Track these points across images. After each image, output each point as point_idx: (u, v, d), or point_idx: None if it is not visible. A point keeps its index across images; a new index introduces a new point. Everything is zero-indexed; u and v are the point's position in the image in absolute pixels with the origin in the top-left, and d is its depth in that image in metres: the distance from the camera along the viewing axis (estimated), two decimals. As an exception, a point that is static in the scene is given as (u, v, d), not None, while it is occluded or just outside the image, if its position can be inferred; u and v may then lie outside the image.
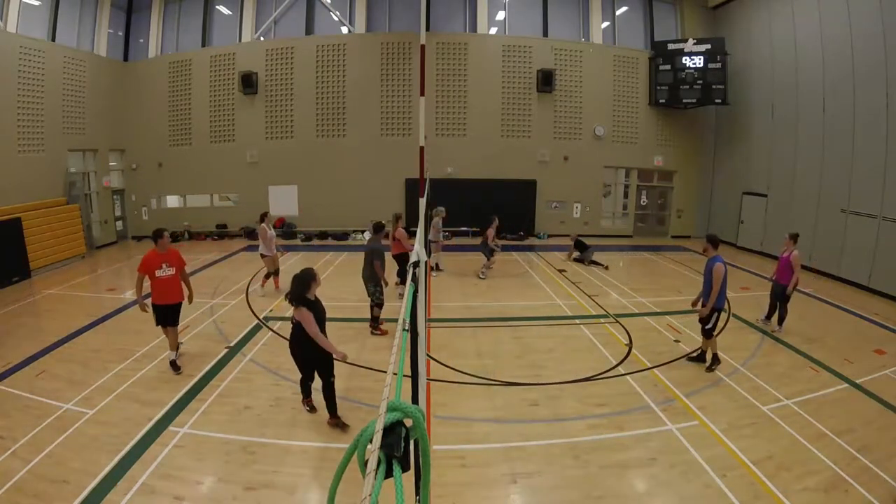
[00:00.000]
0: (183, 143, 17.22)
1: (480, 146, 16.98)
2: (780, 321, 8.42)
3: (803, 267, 13.06)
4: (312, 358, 5.21)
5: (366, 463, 1.18)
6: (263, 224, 9.57)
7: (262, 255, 9.78)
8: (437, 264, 12.32)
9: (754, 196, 15.51)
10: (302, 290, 5.00)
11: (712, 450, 5.01)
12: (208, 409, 5.77)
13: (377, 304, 7.99)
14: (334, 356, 5.13)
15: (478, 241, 12.03)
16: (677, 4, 17.55)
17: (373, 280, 7.83)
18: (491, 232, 11.61)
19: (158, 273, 6.45)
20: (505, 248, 14.60)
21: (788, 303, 8.31)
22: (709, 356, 6.99)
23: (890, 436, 5.29)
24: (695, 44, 16.21)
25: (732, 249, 16.13)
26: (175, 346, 6.85)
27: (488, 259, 11.73)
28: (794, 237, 8.31)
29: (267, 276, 10.15)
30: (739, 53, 16.03)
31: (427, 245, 12.02)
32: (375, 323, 8.11)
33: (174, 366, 6.68)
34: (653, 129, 17.57)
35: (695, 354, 7.21)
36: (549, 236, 17.40)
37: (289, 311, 9.41)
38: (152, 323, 8.59)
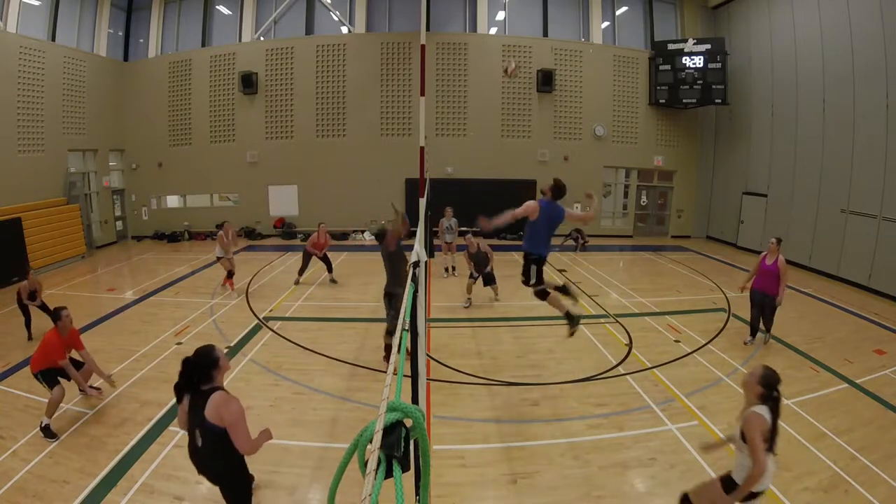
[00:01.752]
0: (183, 143, 17.22)
1: (480, 146, 16.98)
2: (768, 329, 7.73)
3: (803, 267, 13.17)
4: (237, 476, 3.45)
5: (366, 463, 1.18)
6: (221, 232, 10.24)
7: (218, 258, 10.43)
8: (453, 266, 12.17)
9: (754, 196, 15.51)
10: (202, 378, 3.24)
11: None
12: (208, 409, 5.76)
13: (388, 331, 6.80)
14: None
15: (492, 240, 10.84)
16: (677, 4, 17.54)
17: (392, 305, 6.59)
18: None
19: (61, 363, 5.35)
20: (506, 248, 14.60)
21: (775, 312, 7.58)
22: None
23: (890, 436, 5.29)
24: (695, 44, 16.21)
25: (732, 249, 16.14)
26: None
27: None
28: (780, 241, 7.49)
29: (229, 277, 10.58)
30: (739, 53, 16.03)
31: (430, 244, 12.00)
32: (388, 353, 6.86)
33: (48, 431, 5.20)
34: (653, 129, 17.57)
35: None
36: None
37: (290, 309, 9.55)
38: (152, 324, 8.71)
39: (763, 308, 7.58)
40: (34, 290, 8.05)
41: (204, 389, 3.19)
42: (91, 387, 5.97)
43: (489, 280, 9.87)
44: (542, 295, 5.64)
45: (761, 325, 7.77)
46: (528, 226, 5.36)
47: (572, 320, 5.71)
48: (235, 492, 3.45)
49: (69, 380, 5.51)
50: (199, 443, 3.21)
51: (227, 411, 3.09)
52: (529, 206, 5.25)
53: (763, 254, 7.62)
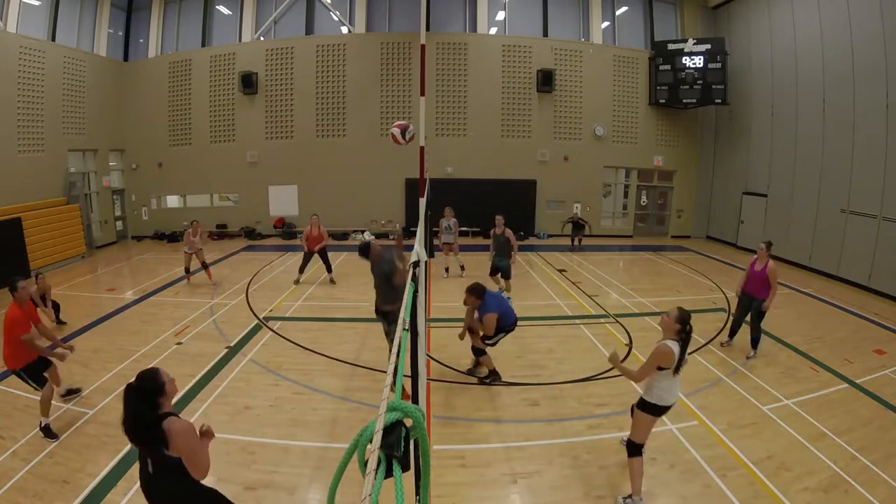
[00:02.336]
0: (183, 143, 17.23)
1: (480, 146, 16.99)
2: (755, 344, 7.36)
3: (803, 267, 13.17)
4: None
5: (366, 463, 1.18)
6: (189, 230, 11.14)
7: (185, 252, 11.22)
8: (461, 266, 11.87)
9: (754, 196, 15.51)
10: (149, 408, 2.74)
11: (712, 450, 5.01)
12: (208, 409, 5.77)
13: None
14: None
15: (481, 241, 11.01)
16: (677, 4, 17.55)
17: (386, 315, 6.15)
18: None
19: (24, 337, 5.10)
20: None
21: (762, 321, 7.34)
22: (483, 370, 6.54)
23: (890, 436, 5.29)
24: (695, 44, 16.21)
25: (732, 249, 16.14)
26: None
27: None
28: (770, 245, 7.26)
29: (187, 271, 11.39)
30: (739, 53, 16.03)
31: (430, 244, 11.95)
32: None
33: (49, 431, 5.17)
34: (653, 129, 17.57)
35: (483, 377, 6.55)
36: (549, 236, 17.41)
37: (290, 309, 9.55)
38: (152, 324, 8.72)
39: (750, 311, 7.32)
40: (44, 294, 8.11)
41: (155, 425, 2.76)
42: (70, 390, 5.89)
43: (507, 272, 9.82)
44: (481, 353, 6.40)
45: (749, 339, 7.46)
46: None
47: (496, 376, 6.49)
48: None
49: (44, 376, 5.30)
50: (152, 471, 2.79)
51: (183, 441, 2.70)
52: (493, 320, 6.08)
53: (753, 258, 7.40)
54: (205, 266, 11.36)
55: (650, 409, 4.19)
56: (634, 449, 4.29)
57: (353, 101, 16.78)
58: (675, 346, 4.04)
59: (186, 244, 11.17)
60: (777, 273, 7.11)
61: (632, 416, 4.45)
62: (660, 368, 4.05)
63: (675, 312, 4.13)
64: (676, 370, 4.05)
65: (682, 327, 4.09)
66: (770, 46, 14.63)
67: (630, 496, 4.28)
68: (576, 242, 15.66)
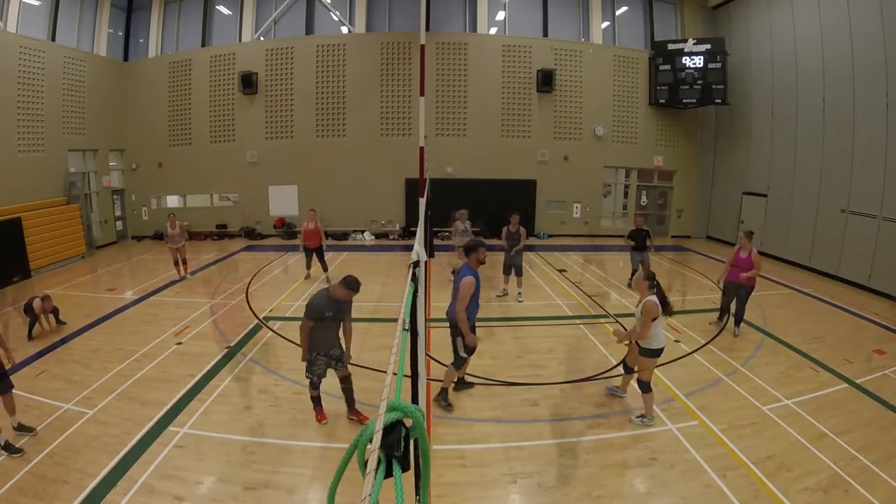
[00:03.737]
0: (183, 143, 17.22)
1: (480, 146, 16.98)
2: (738, 322, 8.13)
3: (803, 267, 13.16)
4: None
5: (366, 463, 1.18)
6: (168, 224, 11.35)
7: (170, 247, 11.45)
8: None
9: (754, 196, 15.50)
10: None
11: (712, 450, 5.01)
12: (208, 409, 5.77)
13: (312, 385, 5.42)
14: None
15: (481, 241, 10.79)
16: (677, 4, 17.54)
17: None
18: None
19: None
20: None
21: (747, 302, 8.08)
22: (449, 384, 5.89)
23: (890, 436, 5.29)
24: (695, 44, 16.20)
25: (732, 249, 16.08)
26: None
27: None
28: (751, 235, 8.11)
29: (176, 264, 11.53)
30: (739, 53, 16.03)
31: (430, 244, 11.95)
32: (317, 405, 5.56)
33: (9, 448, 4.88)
34: (653, 129, 17.56)
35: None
36: (550, 236, 17.41)
37: (290, 309, 9.55)
38: (152, 324, 8.73)
39: (737, 297, 8.04)
40: (46, 310, 8.15)
41: None
42: (22, 425, 5.21)
43: (520, 269, 9.83)
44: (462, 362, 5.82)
45: (731, 320, 8.29)
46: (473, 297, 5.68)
47: (464, 384, 6.29)
48: None
49: None
50: None
51: None
52: (469, 286, 5.62)
53: (736, 247, 8.18)
54: (183, 261, 11.56)
55: (654, 354, 5.21)
56: (646, 386, 5.31)
57: (352, 101, 16.77)
58: (655, 299, 5.07)
59: (168, 239, 11.35)
60: (760, 259, 8.03)
61: (625, 371, 5.86)
62: (652, 320, 5.06)
63: (642, 274, 5.22)
64: (664, 311, 5.19)
65: (650, 283, 5.09)
66: (770, 46, 14.62)
67: (643, 415, 5.36)
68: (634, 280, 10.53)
